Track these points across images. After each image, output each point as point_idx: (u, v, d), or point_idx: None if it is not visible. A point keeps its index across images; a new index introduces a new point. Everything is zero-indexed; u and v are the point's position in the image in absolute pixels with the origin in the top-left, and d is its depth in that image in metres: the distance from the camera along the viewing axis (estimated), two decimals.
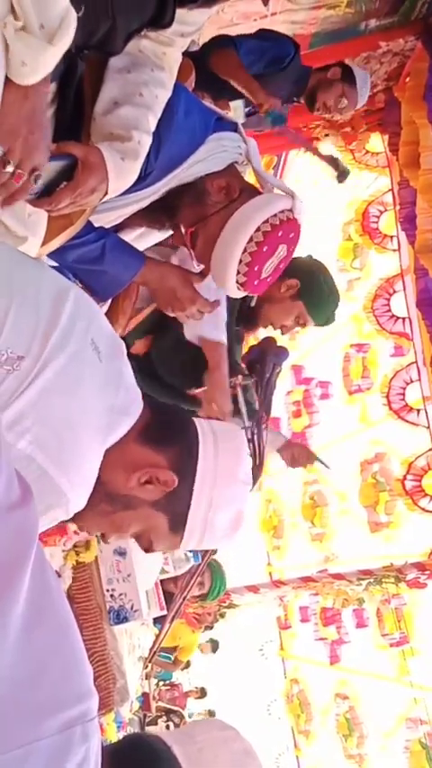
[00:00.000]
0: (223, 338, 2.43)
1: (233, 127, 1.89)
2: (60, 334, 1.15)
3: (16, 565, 0.79)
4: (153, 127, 1.66)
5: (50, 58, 1.27)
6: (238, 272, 1.85)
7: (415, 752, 4.79)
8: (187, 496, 1.24)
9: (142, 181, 1.71)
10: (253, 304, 2.64)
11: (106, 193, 1.60)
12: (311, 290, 2.65)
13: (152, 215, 1.93)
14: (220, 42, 3.12)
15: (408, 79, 3.89)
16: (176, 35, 1.67)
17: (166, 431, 1.27)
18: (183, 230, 1.90)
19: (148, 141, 1.63)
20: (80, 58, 1.58)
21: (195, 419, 1.31)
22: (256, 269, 1.85)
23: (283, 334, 2.78)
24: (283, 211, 1.86)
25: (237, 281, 1.87)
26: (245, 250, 1.83)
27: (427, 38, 3.70)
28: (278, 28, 3.46)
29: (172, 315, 1.96)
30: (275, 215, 1.84)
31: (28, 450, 1.08)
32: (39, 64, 1.26)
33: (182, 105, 1.75)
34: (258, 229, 1.82)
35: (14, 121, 1.30)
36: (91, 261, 1.79)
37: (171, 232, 2.01)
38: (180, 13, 1.62)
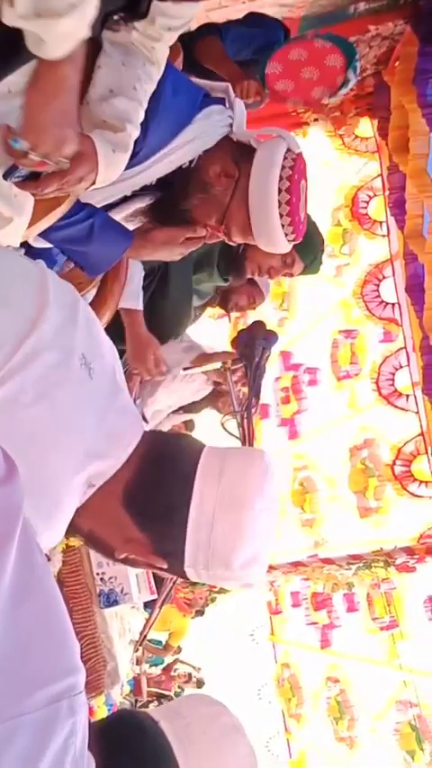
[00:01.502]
0: (137, 305, 2.46)
1: (221, 100, 1.90)
2: (35, 343, 1.08)
3: (3, 539, 0.79)
4: (141, 120, 1.68)
5: (66, 29, 1.25)
6: (286, 234, 1.91)
7: (405, 734, 4.84)
8: (182, 536, 1.15)
9: (131, 159, 1.71)
10: (239, 252, 2.68)
11: (94, 183, 1.60)
12: None
13: (164, 220, 1.95)
14: (206, 31, 3.11)
15: (397, 63, 3.87)
16: (164, 29, 1.67)
17: (155, 493, 1.15)
18: (208, 229, 1.93)
19: (136, 133, 1.65)
20: None
21: (208, 447, 1.21)
22: (297, 218, 1.92)
23: (271, 277, 2.79)
24: (286, 157, 1.89)
25: (288, 239, 1.94)
26: (281, 214, 1.88)
27: (416, 21, 3.68)
28: (267, 11, 3.44)
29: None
30: (283, 166, 1.88)
31: None
32: (55, 37, 1.25)
33: (169, 84, 1.76)
34: (280, 190, 1.87)
35: (43, 121, 1.30)
36: (80, 240, 1.79)
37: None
38: (167, 6, 1.62)
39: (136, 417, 1.23)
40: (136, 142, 1.70)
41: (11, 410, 1.03)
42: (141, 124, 1.69)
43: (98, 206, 1.85)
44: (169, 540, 1.15)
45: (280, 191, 1.87)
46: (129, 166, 1.74)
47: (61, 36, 1.27)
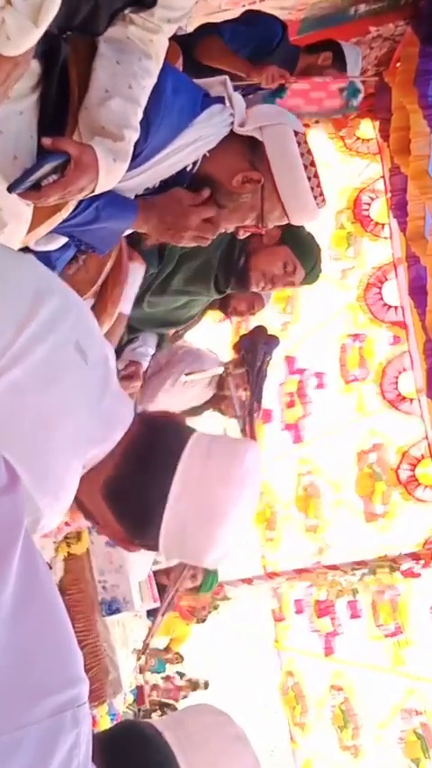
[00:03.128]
0: (126, 310, 2.44)
1: (221, 98, 1.89)
2: (36, 330, 1.09)
3: (3, 550, 0.79)
4: (139, 119, 1.65)
5: (35, 38, 1.26)
6: (318, 204, 1.95)
7: (410, 742, 4.80)
8: (155, 537, 1.16)
9: (132, 160, 1.70)
10: (240, 264, 2.68)
11: (93, 191, 1.60)
12: (293, 234, 2.72)
13: None
14: (204, 31, 3.09)
15: (398, 64, 3.87)
16: (163, 21, 1.65)
17: (131, 494, 1.15)
18: (244, 229, 1.95)
19: (135, 137, 1.63)
20: (63, 39, 1.57)
21: (194, 438, 1.19)
22: (321, 185, 1.96)
23: (274, 286, 2.82)
24: (298, 142, 1.91)
25: (319, 207, 1.97)
26: (312, 188, 1.91)
27: (417, 22, 3.67)
28: None
29: (182, 243, 1.95)
30: (300, 152, 1.90)
31: None
32: (22, 42, 1.25)
33: (169, 84, 1.74)
34: (306, 166, 1.90)
35: None
36: (88, 223, 1.78)
37: None
38: None
39: (128, 402, 1.23)
40: (137, 143, 1.69)
41: (16, 396, 1.04)
42: (143, 124, 1.67)
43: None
44: (143, 537, 1.18)
45: (306, 167, 1.90)
46: (130, 168, 1.72)
47: (26, 42, 1.26)
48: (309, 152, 1.93)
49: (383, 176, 4.51)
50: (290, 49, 3.33)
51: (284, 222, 1.98)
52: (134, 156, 1.71)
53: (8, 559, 0.79)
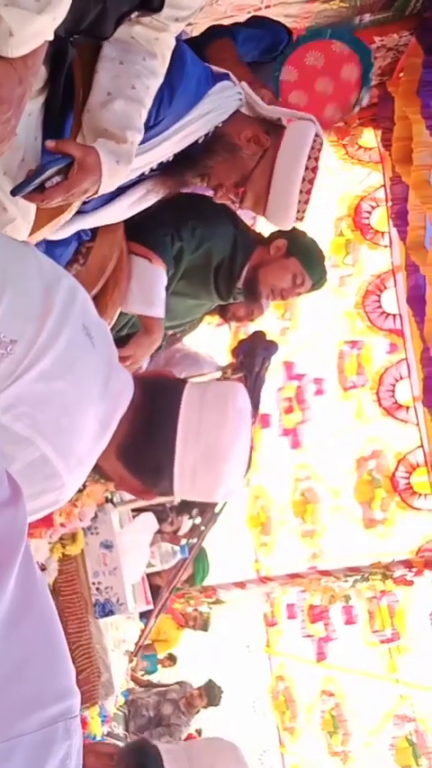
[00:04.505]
0: (160, 313, 2.45)
1: (227, 76, 1.93)
2: (55, 320, 1.14)
3: (4, 563, 0.80)
4: (144, 120, 1.66)
5: (39, 28, 1.26)
6: (298, 211, 2.00)
7: (401, 749, 4.79)
8: (169, 485, 1.27)
9: (154, 127, 1.72)
10: (245, 278, 2.69)
11: (96, 192, 1.61)
12: (300, 245, 2.74)
13: (180, 176, 2.00)
14: (216, 33, 3.09)
15: (401, 74, 3.87)
16: (171, 20, 1.67)
17: (142, 449, 1.26)
18: (224, 188, 1.99)
19: (139, 139, 1.65)
20: (70, 43, 1.57)
21: (188, 389, 1.30)
22: (309, 199, 2.01)
23: (284, 299, 2.84)
24: (315, 140, 1.99)
25: (297, 218, 2.04)
26: (301, 191, 1.96)
27: (421, 33, 3.68)
28: None
29: None
30: (312, 147, 1.97)
31: (26, 432, 1.09)
32: (26, 34, 1.25)
33: (189, 55, 1.80)
34: (307, 167, 1.95)
35: (6, 95, 1.28)
36: None
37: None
38: None
39: (126, 374, 1.31)
40: (160, 109, 1.72)
41: (45, 384, 1.11)
42: (166, 90, 1.71)
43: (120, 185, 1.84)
44: (157, 485, 1.29)
45: (306, 168, 1.95)
46: (152, 136, 1.76)
47: (31, 33, 1.26)
48: (316, 159, 1.98)
49: (384, 185, 4.51)
50: (307, 40, 3.33)
51: (257, 212, 2.01)
52: (157, 122, 1.74)
53: (8, 571, 0.80)
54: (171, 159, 1.93)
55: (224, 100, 1.90)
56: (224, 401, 1.31)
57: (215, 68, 1.99)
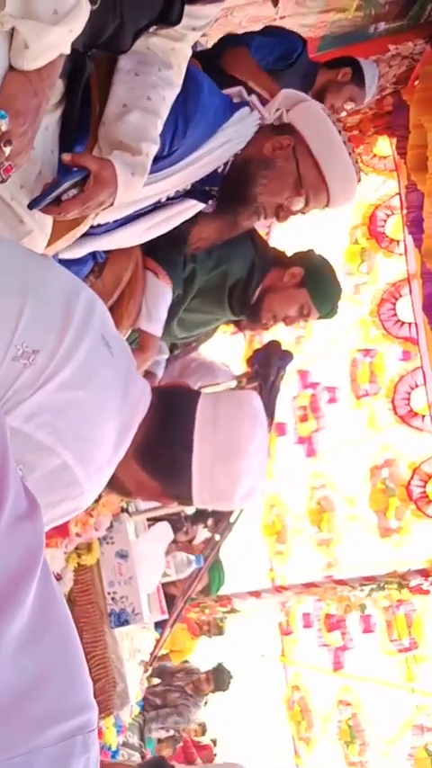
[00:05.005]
0: (156, 331, 2.43)
1: (245, 102, 1.94)
2: (76, 330, 1.17)
3: (23, 576, 0.80)
4: (160, 131, 1.66)
5: (55, 40, 1.26)
6: (356, 170, 1.97)
7: (420, 759, 4.77)
8: (188, 483, 1.28)
9: (167, 157, 1.72)
10: (255, 299, 2.65)
11: (112, 204, 1.61)
12: (316, 278, 2.66)
13: (232, 218, 1.99)
14: (232, 41, 3.09)
15: (416, 82, 3.88)
16: (188, 29, 1.67)
17: (160, 449, 1.28)
18: (283, 208, 1.95)
19: (155, 150, 1.65)
20: (88, 57, 1.58)
21: (203, 395, 1.33)
22: (356, 157, 2.00)
23: (286, 325, 2.78)
24: (325, 111, 1.97)
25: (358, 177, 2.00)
26: (349, 153, 1.94)
27: None
28: None
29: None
30: (329, 116, 1.96)
31: (48, 441, 1.11)
32: (42, 46, 1.26)
33: (206, 85, 1.79)
34: (339, 131, 1.94)
35: (22, 108, 1.29)
36: None
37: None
38: (192, 8, 1.62)
39: (143, 382, 1.34)
40: (174, 140, 1.71)
41: (66, 394, 1.13)
42: (181, 120, 1.70)
43: (129, 213, 1.84)
44: (177, 487, 1.30)
45: (339, 132, 1.93)
46: (165, 166, 1.75)
47: (46, 45, 1.27)
48: (338, 120, 1.97)
49: (399, 193, 4.51)
50: (309, 64, 3.34)
51: (323, 193, 1.95)
52: (170, 153, 1.73)
53: (28, 585, 0.80)
54: (188, 188, 1.91)
55: (243, 129, 1.89)
56: (239, 401, 1.35)
57: (235, 94, 1.98)
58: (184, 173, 1.84)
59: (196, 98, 1.73)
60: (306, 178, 1.92)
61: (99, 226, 1.77)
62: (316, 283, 2.65)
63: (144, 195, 1.80)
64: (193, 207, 1.99)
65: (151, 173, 1.70)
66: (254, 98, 1.98)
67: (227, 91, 1.99)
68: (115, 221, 1.79)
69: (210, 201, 1.96)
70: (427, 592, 4.83)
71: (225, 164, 1.90)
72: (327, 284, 2.73)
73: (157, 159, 1.69)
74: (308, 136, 1.92)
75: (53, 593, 0.85)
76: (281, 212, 1.96)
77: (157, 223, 1.98)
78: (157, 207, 1.93)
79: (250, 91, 3.07)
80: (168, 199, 1.91)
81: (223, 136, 1.85)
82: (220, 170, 1.90)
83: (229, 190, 1.93)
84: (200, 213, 2.02)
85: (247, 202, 1.94)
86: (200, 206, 1.98)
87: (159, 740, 5.88)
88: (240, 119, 1.88)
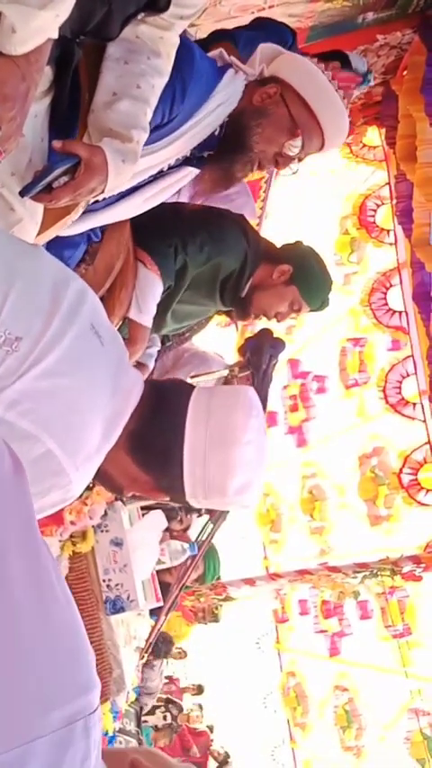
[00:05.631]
0: (146, 322, 2.43)
1: (230, 66, 1.97)
2: (62, 318, 1.17)
3: (32, 529, 0.78)
4: (149, 118, 1.68)
5: (42, 24, 1.27)
6: (345, 107, 1.99)
7: (416, 742, 4.81)
8: (179, 474, 1.26)
9: (167, 124, 1.73)
10: (244, 294, 2.65)
11: (102, 191, 1.62)
12: (304, 274, 2.65)
13: (229, 168, 1.99)
14: (217, 37, 3.10)
15: (405, 72, 3.88)
16: (175, 18, 1.68)
17: (152, 441, 1.26)
18: (281, 155, 1.97)
19: (144, 137, 1.66)
20: (77, 44, 1.59)
21: (198, 388, 1.32)
22: (345, 95, 2.01)
23: (278, 321, 2.78)
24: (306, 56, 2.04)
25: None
26: (336, 89, 1.96)
27: (424, 31, 3.70)
28: None
29: None
30: (309, 58, 2.03)
31: (31, 428, 1.11)
32: (29, 31, 1.26)
33: (197, 51, 1.82)
34: (323, 71, 1.98)
35: (10, 92, 1.29)
36: None
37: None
38: None
39: (135, 372, 1.33)
40: (173, 106, 1.73)
41: (50, 381, 1.13)
42: (179, 86, 1.72)
43: (133, 184, 1.85)
44: (169, 478, 1.27)
45: (322, 71, 1.97)
46: (166, 134, 1.77)
47: (33, 30, 1.27)
48: (320, 61, 1.99)
49: (389, 183, 4.52)
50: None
51: (318, 132, 1.96)
52: (171, 120, 1.75)
53: (36, 538, 0.77)
54: (188, 155, 1.94)
55: (232, 90, 1.92)
56: (234, 393, 1.34)
57: (217, 56, 2.00)
58: (183, 139, 1.87)
59: (190, 63, 1.76)
60: (299, 119, 1.94)
61: (99, 201, 1.78)
62: (305, 280, 2.66)
63: (147, 165, 1.82)
64: (189, 174, 2.02)
65: (153, 142, 1.72)
66: (233, 59, 2.00)
67: (209, 54, 2.01)
68: (119, 193, 1.79)
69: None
70: (419, 578, 4.86)
71: (221, 126, 1.93)
72: (316, 280, 2.73)
73: (158, 128, 1.71)
74: (293, 80, 1.95)
75: (48, 565, 0.81)
76: (279, 159, 1.98)
77: (156, 193, 2.00)
78: (155, 177, 1.95)
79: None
80: (169, 167, 1.93)
81: (216, 99, 1.88)
82: (216, 133, 1.93)
83: (226, 144, 1.95)
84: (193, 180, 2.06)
85: (244, 152, 1.96)
86: (195, 172, 2.01)
87: (156, 728, 5.91)
88: (229, 81, 1.91)
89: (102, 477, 1.28)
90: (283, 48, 3.18)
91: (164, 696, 6.75)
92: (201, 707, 6.87)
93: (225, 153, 1.96)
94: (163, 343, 3.01)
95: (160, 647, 5.86)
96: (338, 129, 2.03)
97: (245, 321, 2.90)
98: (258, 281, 2.63)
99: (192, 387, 1.33)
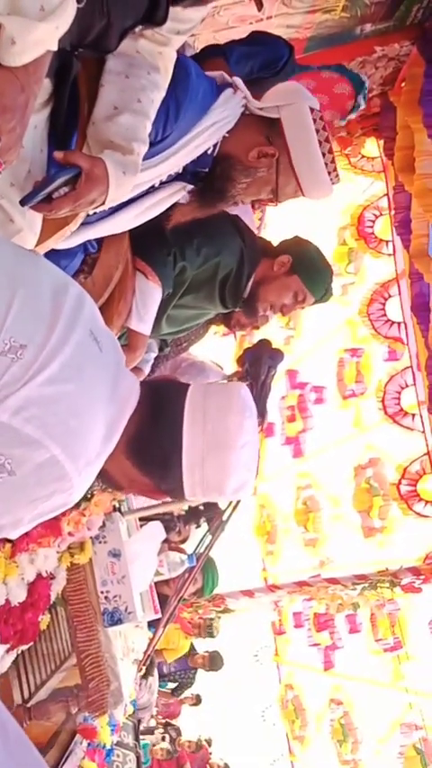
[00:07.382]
0: (145, 331, 2.45)
1: (228, 84, 1.98)
2: (64, 325, 1.18)
3: None
4: (148, 132, 1.68)
5: (41, 36, 1.26)
6: (332, 181, 2.06)
7: (409, 757, 4.80)
8: (179, 478, 1.29)
9: (161, 142, 1.74)
10: (247, 294, 2.67)
11: (103, 203, 1.62)
12: (304, 262, 2.67)
13: (211, 206, 2.07)
14: (210, 53, 3.11)
15: (403, 84, 3.90)
16: (172, 33, 1.68)
17: (150, 445, 1.28)
18: (259, 202, 2.08)
19: (144, 150, 1.66)
20: (75, 57, 1.59)
21: (191, 388, 1.33)
22: (335, 165, 2.06)
23: (284, 314, 2.79)
24: (314, 118, 2.01)
25: (333, 183, 2.09)
26: (326, 164, 2.01)
27: (422, 43, 3.71)
28: (274, 32, 3.42)
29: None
30: (315, 123, 2.00)
31: (36, 434, 1.11)
32: (28, 42, 1.26)
33: (193, 69, 1.83)
34: (321, 142, 1.99)
35: (9, 104, 1.29)
36: None
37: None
38: (175, 10, 1.63)
39: (132, 377, 1.34)
40: (166, 125, 1.74)
41: (54, 388, 1.14)
42: (173, 105, 1.73)
43: (125, 198, 1.86)
44: (168, 481, 1.29)
45: (320, 143, 1.99)
46: (159, 151, 1.77)
47: (33, 41, 1.27)
48: (324, 128, 2.00)
49: (387, 194, 4.54)
50: (297, 69, 3.35)
51: (298, 197, 2.04)
52: (164, 138, 1.76)
53: None
54: (181, 171, 1.95)
55: (229, 109, 1.93)
56: (228, 393, 1.35)
57: (218, 77, 2.01)
58: (177, 156, 1.87)
59: (185, 83, 1.77)
60: (283, 191, 2.01)
61: (93, 214, 1.79)
62: (306, 267, 2.68)
63: (140, 181, 1.82)
64: (180, 190, 2.04)
65: (147, 158, 1.72)
66: (236, 79, 2.01)
67: (209, 74, 2.02)
68: (110, 208, 1.80)
69: (191, 187, 2.03)
70: (419, 590, 4.85)
71: (214, 145, 1.94)
72: (316, 266, 2.75)
73: (151, 145, 1.72)
74: (293, 148, 1.98)
75: None
76: (256, 204, 2.10)
77: (148, 207, 2.01)
78: (148, 191, 1.95)
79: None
80: (161, 183, 1.94)
81: (211, 117, 1.89)
82: (209, 151, 1.95)
83: (209, 185, 1.99)
84: (176, 203, 2.09)
85: (224, 200, 2.03)
86: (188, 188, 2.04)
87: (153, 745, 5.88)
88: (226, 100, 1.92)
89: (103, 477, 1.31)
90: (280, 61, 3.21)
91: (163, 720, 6.73)
92: (209, 742, 6.80)
93: (208, 194, 2.03)
94: (161, 349, 3.00)
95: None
96: (320, 196, 2.13)
97: (252, 317, 2.91)
98: (260, 275, 2.65)
99: (186, 386, 1.35)
